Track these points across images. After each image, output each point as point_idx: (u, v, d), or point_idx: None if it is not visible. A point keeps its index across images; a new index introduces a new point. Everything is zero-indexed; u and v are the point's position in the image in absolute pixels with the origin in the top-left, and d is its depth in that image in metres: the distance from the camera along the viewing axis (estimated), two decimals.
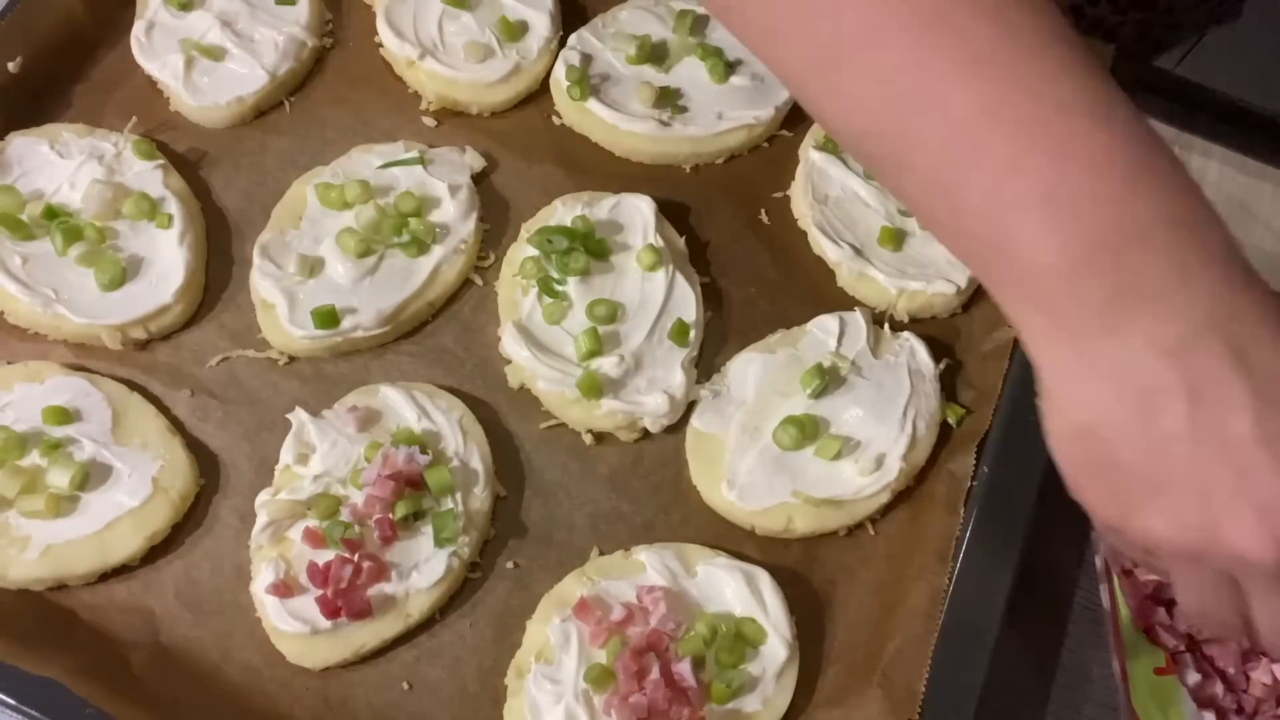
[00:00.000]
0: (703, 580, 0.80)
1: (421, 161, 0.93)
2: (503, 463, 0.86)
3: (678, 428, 0.87)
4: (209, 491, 0.85)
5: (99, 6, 0.98)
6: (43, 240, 0.88)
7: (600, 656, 0.76)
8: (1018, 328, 0.55)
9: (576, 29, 1.01)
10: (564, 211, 0.92)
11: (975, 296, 0.92)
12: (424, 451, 0.82)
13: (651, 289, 0.89)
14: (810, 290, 0.93)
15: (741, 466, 0.84)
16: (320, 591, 0.77)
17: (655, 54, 0.99)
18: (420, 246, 0.90)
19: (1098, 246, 0.51)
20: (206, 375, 0.89)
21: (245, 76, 0.96)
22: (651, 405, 0.85)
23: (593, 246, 0.89)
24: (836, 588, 0.83)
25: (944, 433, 0.86)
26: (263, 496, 0.82)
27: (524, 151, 0.98)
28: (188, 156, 0.96)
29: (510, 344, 0.87)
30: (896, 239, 0.91)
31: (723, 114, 0.97)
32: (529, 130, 0.99)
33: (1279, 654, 0.60)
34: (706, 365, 0.90)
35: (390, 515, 0.79)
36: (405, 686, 0.80)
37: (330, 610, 0.77)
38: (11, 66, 0.93)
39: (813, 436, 0.85)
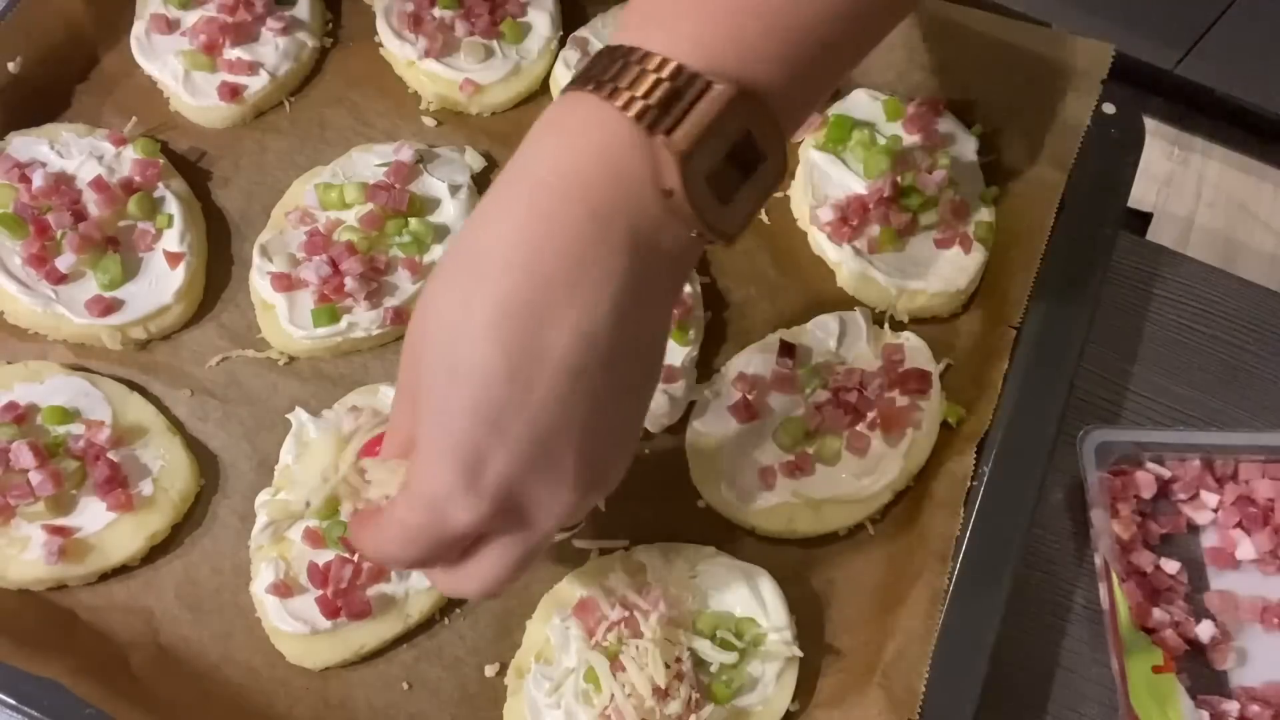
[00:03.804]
0: (703, 580, 0.80)
1: (421, 161, 0.93)
2: None
3: (678, 428, 0.87)
4: (209, 491, 0.85)
5: (99, 6, 0.98)
6: None
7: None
8: None
9: (576, 29, 1.01)
10: None
11: (975, 296, 0.92)
12: None
13: None
14: (810, 290, 0.93)
15: (741, 466, 0.84)
16: (320, 592, 0.78)
17: None
18: (420, 246, 0.90)
19: None
20: (206, 375, 0.89)
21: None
22: (651, 405, 0.85)
23: None
24: (836, 588, 0.83)
25: (944, 433, 0.86)
26: (263, 496, 0.82)
27: None
28: (188, 156, 0.97)
29: None
30: (896, 239, 0.91)
31: None
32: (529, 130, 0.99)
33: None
34: (706, 365, 0.90)
35: None
36: (405, 686, 0.80)
37: (330, 610, 0.77)
38: (12, 66, 0.93)
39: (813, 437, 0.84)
